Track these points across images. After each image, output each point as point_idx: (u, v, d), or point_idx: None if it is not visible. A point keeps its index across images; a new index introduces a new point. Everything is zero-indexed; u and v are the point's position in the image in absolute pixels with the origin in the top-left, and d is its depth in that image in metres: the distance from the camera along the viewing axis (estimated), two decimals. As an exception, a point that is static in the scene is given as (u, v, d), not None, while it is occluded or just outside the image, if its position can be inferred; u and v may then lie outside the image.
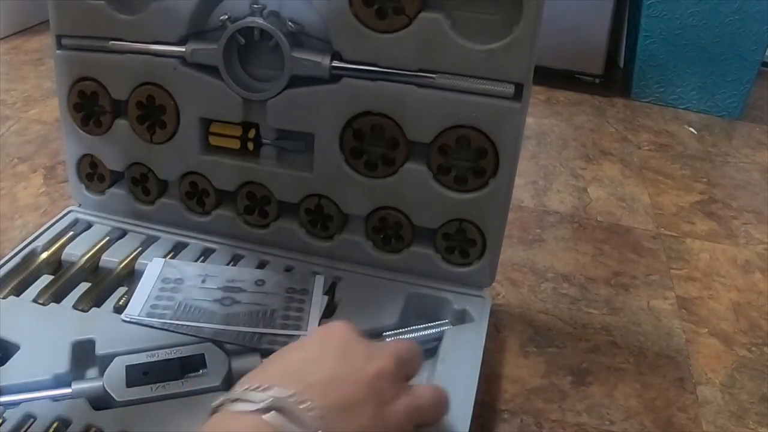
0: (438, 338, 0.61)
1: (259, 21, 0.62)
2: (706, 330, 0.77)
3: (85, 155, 0.73)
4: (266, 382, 0.38)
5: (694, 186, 1.11)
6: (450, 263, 0.68)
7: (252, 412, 0.36)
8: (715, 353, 0.73)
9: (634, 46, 1.43)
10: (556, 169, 1.12)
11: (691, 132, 1.33)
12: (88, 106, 0.70)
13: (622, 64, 1.59)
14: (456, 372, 0.57)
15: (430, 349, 0.61)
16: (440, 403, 0.47)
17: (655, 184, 1.10)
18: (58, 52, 0.68)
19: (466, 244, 0.67)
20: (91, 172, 0.74)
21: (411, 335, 0.61)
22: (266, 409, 0.36)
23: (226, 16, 0.62)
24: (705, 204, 1.05)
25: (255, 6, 0.62)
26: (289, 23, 0.62)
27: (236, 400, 0.38)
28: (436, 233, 0.67)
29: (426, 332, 0.62)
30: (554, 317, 0.76)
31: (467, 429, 0.51)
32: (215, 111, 0.67)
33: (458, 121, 0.61)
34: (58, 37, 0.68)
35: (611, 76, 1.54)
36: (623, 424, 0.63)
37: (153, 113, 0.68)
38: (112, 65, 0.67)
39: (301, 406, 0.37)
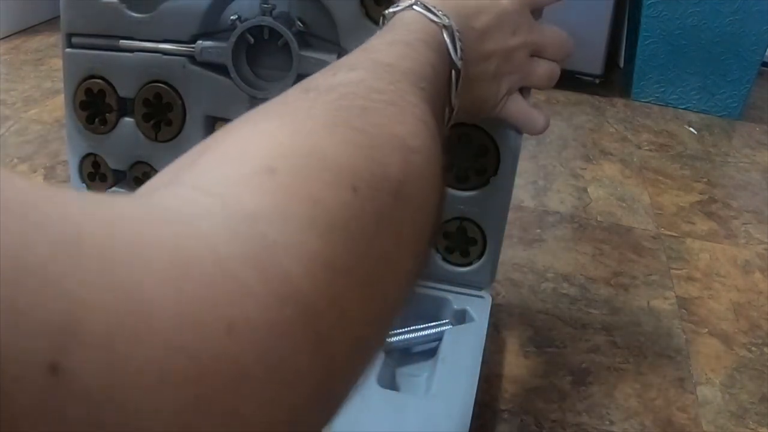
0: (438, 338, 0.62)
1: (268, 20, 0.62)
2: (706, 330, 0.77)
3: (87, 155, 0.73)
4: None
5: (694, 186, 1.11)
6: (450, 263, 0.68)
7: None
8: (715, 353, 0.73)
9: (634, 46, 1.43)
10: (556, 169, 1.12)
11: (691, 132, 1.33)
12: (94, 105, 0.70)
13: (622, 64, 1.59)
14: (456, 372, 0.57)
15: (430, 349, 0.61)
16: (561, 44, 0.54)
17: (655, 184, 1.10)
18: (67, 50, 0.68)
19: (467, 244, 0.67)
20: (93, 172, 0.74)
21: (411, 335, 0.61)
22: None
23: (237, 16, 0.63)
24: (705, 204, 1.05)
25: (265, 5, 0.62)
26: (298, 23, 0.63)
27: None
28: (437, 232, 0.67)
29: (426, 332, 0.62)
30: (554, 317, 0.76)
31: (467, 429, 0.51)
32: (222, 109, 0.67)
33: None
34: (69, 36, 0.68)
35: (611, 76, 1.54)
36: (623, 424, 0.63)
37: (159, 111, 0.69)
38: (120, 63, 0.67)
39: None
